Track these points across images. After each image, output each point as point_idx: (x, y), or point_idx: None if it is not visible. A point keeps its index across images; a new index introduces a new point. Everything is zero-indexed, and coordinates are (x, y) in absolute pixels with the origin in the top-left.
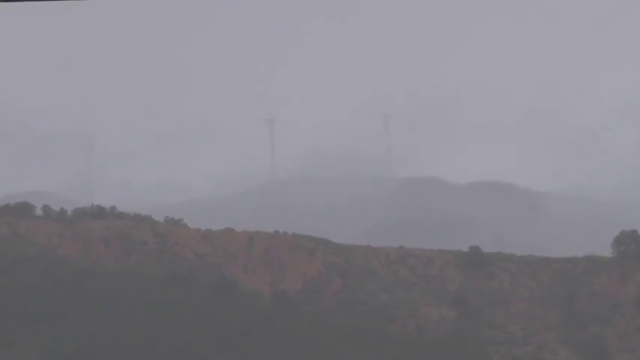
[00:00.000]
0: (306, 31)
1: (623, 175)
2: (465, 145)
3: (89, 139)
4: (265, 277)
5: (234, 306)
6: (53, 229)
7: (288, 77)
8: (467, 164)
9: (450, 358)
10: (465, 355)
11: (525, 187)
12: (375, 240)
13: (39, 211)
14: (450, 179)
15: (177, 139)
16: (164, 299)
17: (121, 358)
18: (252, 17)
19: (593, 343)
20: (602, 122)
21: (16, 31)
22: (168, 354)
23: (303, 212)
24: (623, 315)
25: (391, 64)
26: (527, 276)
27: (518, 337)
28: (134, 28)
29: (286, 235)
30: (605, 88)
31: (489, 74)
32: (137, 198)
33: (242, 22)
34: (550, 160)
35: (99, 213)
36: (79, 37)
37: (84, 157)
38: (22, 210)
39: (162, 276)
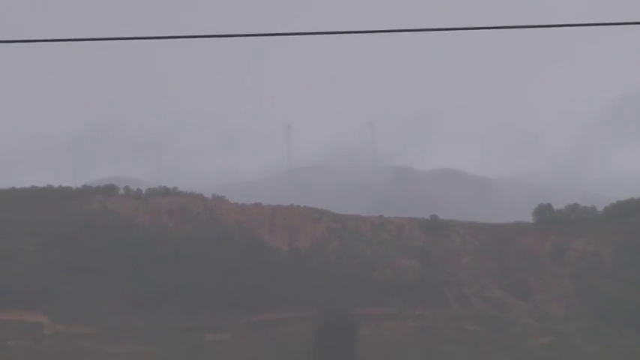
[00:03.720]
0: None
1: (556, 167)
2: (439, 144)
3: (165, 138)
4: (284, 238)
5: (262, 259)
6: (132, 204)
7: (306, 90)
8: (437, 159)
9: (417, 296)
10: (427, 294)
11: (478, 174)
12: (365, 212)
13: (122, 191)
14: (418, 168)
15: (228, 137)
16: (211, 255)
17: (181, 299)
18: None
19: (520, 285)
20: (542, 127)
21: (117, 53)
22: (213, 296)
23: (314, 192)
24: (541, 265)
25: (387, 81)
26: (472, 237)
27: (466, 281)
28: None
29: (299, 207)
30: (547, 103)
31: (461, 95)
32: (196, 181)
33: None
34: (502, 156)
35: (165, 192)
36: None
37: (160, 151)
38: (109, 190)
39: (210, 238)
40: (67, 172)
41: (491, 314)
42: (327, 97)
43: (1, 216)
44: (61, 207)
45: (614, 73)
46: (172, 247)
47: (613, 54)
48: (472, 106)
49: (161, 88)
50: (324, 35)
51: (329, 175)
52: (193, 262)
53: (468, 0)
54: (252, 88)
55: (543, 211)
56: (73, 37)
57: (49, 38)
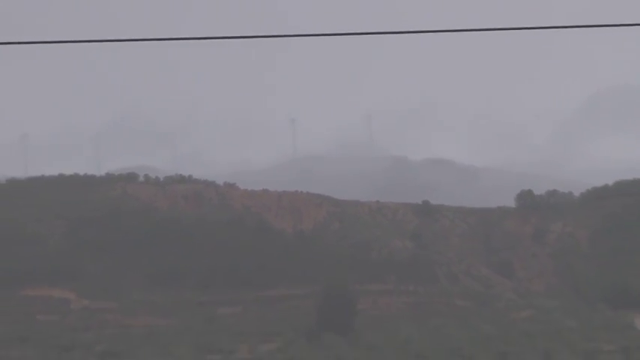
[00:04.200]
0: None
1: (537, 157)
2: (432, 136)
3: (181, 130)
4: (289, 221)
5: (268, 240)
6: (151, 191)
7: (310, 87)
8: (430, 149)
9: (410, 273)
10: (419, 272)
11: (467, 163)
12: (363, 198)
13: (141, 179)
14: (412, 157)
15: (238, 130)
16: (223, 237)
17: (195, 276)
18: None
19: (504, 264)
20: (525, 121)
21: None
22: (225, 273)
23: (316, 180)
24: (523, 246)
25: (384, 79)
26: (460, 220)
27: (454, 261)
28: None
29: (302, 193)
30: (530, 99)
31: (452, 91)
32: (209, 169)
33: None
34: (488, 147)
35: (181, 179)
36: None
37: (177, 143)
38: (130, 178)
39: (221, 221)
40: (92, 161)
41: (477, 290)
42: (329, 94)
43: (32, 201)
44: (86, 193)
45: (590, 72)
46: (187, 230)
47: (589, 54)
48: (462, 102)
49: (178, 85)
50: (326, 37)
51: (330, 165)
52: (206, 243)
53: (456, 4)
54: (260, 85)
55: (525, 197)
56: (100, 39)
57: (79, 39)
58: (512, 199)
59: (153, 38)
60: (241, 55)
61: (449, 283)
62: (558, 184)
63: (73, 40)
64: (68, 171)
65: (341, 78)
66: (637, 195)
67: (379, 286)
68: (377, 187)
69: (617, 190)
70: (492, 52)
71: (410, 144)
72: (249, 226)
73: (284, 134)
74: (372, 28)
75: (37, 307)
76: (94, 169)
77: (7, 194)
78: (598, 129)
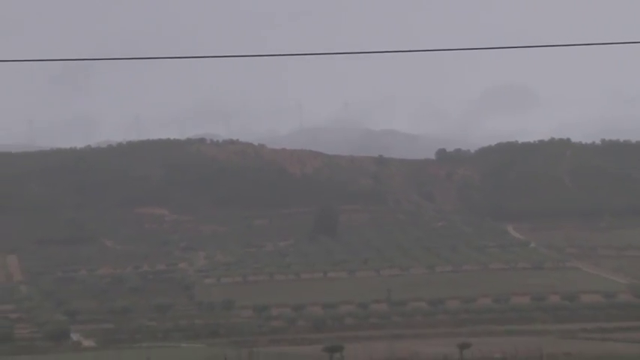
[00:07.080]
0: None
1: (452, 128)
2: (387, 114)
3: (233, 110)
4: (298, 168)
5: (286, 179)
6: (214, 149)
7: (312, 84)
8: (385, 123)
9: (371, 199)
10: (376, 198)
11: (408, 132)
12: (343, 154)
13: (209, 142)
14: (374, 128)
15: (269, 111)
16: (258, 177)
17: (241, 200)
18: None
19: (428, 194)
20: (447, 104)
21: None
22: (259, 199)
23: (316, 143)
24: (439, 182)
25: (359, 78)
26: (402, 167)
27: (398, 191)
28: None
29: (305, 151)
30: (449, 90)
31: (401, 86)
32: (250, 135)
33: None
34: (423, 121)
35: (232, 142)
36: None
37: (230, 118)
38: (201, 141)
39: (257, 168)
40: (178, 130)
41: (411, 210)
42: (324, 87)
43: (142, 155)
44: (175, 150)
45: (487, 74)
46: (236, 173)
47: (488, 62)
48: (406, 93)
49: (233, 81)
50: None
51: (324, 133)
52: (247, 181)
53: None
54: (283, 82)
55: (441, 153)
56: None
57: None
58: (434, 154)
59: (217, 55)
60: (268, 63)
61: (394, 205)
62: (463, 145)
63: (173, 56)
64: (164, 136)
65: (331, 76)
66: (508, 152)
67: (352, 207)
68: (352, 147)
69: (497, 148)
70: (428, 61)
71: (373, 120)
72: (273, 171)
73: (295, 113)
74: (356, 41)
75: (144, 219)
76: (179, 135)
77: (126, 151)
78: (489, 110)
